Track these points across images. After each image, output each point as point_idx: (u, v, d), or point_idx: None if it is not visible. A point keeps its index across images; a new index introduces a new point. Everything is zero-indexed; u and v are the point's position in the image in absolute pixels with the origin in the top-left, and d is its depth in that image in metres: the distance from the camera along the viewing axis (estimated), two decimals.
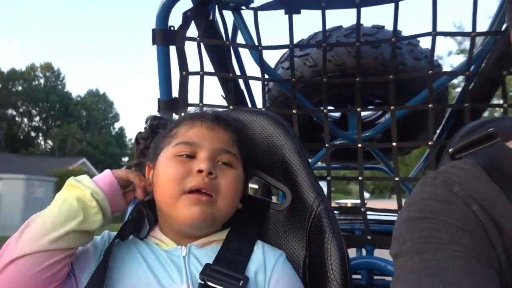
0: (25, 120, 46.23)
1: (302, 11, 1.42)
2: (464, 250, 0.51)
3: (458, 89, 3.07)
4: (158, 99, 1.38)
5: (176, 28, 1.33)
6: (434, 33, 1.33)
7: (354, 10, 1.38)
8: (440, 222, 0.55)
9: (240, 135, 0.95)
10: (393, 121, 1.36)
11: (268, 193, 1.89)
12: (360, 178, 1.38)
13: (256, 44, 1.43)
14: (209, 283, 0.77)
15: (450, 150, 0.68)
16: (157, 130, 0.98)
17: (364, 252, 1.38)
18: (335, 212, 1.59)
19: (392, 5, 1.35)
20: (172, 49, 1.34)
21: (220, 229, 0.90)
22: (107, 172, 0.86)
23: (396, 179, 1.35)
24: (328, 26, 1.45)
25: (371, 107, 1.99)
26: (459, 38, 9.61)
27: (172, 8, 1.31)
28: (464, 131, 0.91)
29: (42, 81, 46.35)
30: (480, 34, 1.35)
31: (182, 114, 1.08)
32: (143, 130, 1.02)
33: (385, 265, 1.25)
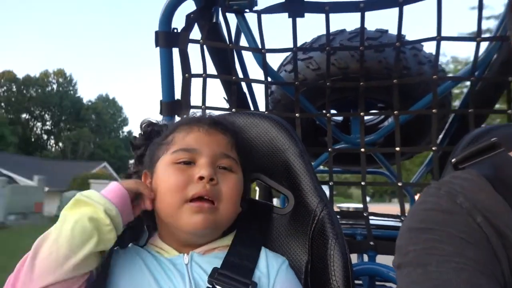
0: (39, 124, 46.82)
1: (306, 14, 1.39)
2: (468, 262, 0.50)
3: (456, 90, 3.02)
4: (161, 101, 1.35)
5: (179, 31, 1.31)
6: (438, 38, 1.30)
7: (358, 14, 1.35)
8: (444, 233, 0.53)
9: (238, 139, 0.92)
10: (397, 126, 1.33)
11: (269, 196, 1.85)
12: (362, 183, 1.34)
13: (260, 47, 1.40)
14: (218, 287, 0.74)
15: (453, 160, 0.67)
16: (151, 136, 0.94)
17: (366, 257, 1.34)
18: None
19: (396, 9, 1.32)
20: (175, 52, 1.32)
21: (221, 236, 0.87)
22: (116, 184, 0.80)
23: (399, 184, 1.31)
24: (331, 30, 1.42)
25: (374, 111, 1.95)
26: None
27: (175, 10, 1.29)
28: (468, 139, 0.89)
29: (55, 86, 47.08)
30: (485, 39, 1.32)
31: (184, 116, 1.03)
32: (138, 136, 0.98)
33: (387, 272, 1.22)
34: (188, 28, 1.31)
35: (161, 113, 1.33)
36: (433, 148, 1.30)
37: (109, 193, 0.77)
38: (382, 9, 1.35)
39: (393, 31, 1.41)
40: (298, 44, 1.44)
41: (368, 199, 1.41)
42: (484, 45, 1.37)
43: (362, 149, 1.35)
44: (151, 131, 0.95)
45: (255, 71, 1.54)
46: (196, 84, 1.32)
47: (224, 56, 1.42)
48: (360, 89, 1.38)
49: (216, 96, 1.59)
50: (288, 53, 1.74)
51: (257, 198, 1.90)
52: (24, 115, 45.64)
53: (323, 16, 1.37)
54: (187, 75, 1.31)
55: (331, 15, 1.36)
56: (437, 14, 1.29)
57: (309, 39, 1.74)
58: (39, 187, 16.48)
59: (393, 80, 1.34)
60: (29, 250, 0.70)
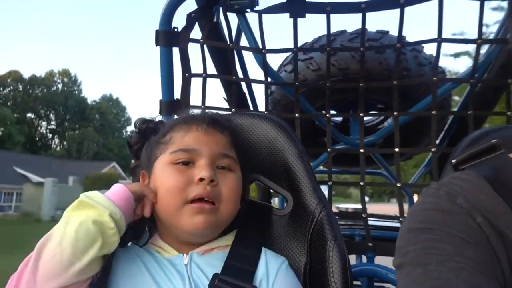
0: (44, 123, 47.07)
1: (307, 14, 1.37)
2: (468, 262, 0.49)
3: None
4: (160, 100, 1.32)
5: (179, 30, 1.28)
6: (439, 40, 1.28)
7: (359, 14, 1.33)
8: (443, 233, 0.53)
9: (236, 137, 0.89)
10: (396, 127, 1.31)
11: (268, 196, 1.83)
12: (361, 183, 1.32)
13: (260, 47, 1.38)
14: None
15: (453, 161, 0.66)
16: (147, 134, 0.92)
17: (364, 258, 1.32)
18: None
19: (397, 10, 1.30)
20: (175, 51, 1.29)
21: (220, 235, 0.85)
22: (121, 186, 0.77)
23: (398, 185, 1.29)
24: (332, 30, 1.40)
25: (374, 112, 1.93)
26: None
27: (176, 9, 1.26)
28: (468, 140, 0.87)
29: (60, 86, 47.27)
30: (486, 41, 1.31)
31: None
32: (133, 135, 0.95)
33: (386, 273, 1.20)
34: (188, 27, 1.28)
35: (160, 112, 1.31)
36: (432, 150, 1.28)
37: (113, 195, 0.75)
38: (383, 10, 1.33)
39: (394, 32, 1.39)
40: (299, 45, 1.42)
41: (367, 199, 1.39)
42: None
43: (361, 150, 1.33)
44: (146, 128, 0.93)
45: (255, 71, 1.52)
46: (196, 84, 1.30)
47: (224, 56, 1.39)
48: (360, 90, 1.36)
49: (216, 96, 1.57)
50: (288, 54, 1.72)
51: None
52: (29, 115, 45.86)
53: (324, 16, 1.35)
54: (187, 75, 1.28)
55: (332, 16, 1.34)
56: (438, 16, 1.27)
57: (309, 39, 1.72)
58: (74, 187, 19.23)
59: (393, 82, 1.32)
60: None
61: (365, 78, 1.36)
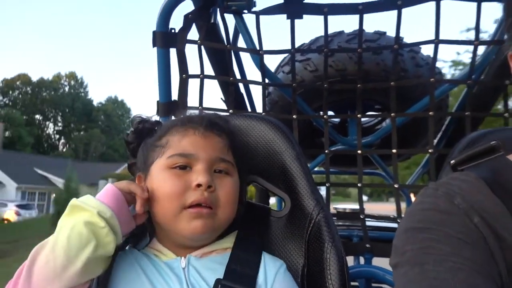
0: (51, 124, 47.38)
1: (304, 15, 1.34)
2: (465, 262, 0.49)
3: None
4: (158, 101, 1.30)
5: (177, 31, 1.26)
6: (436, 41, 1.26)
7: (356, 16, 1.31)
8: (441, 233, 0.52)
9: (234, 139, 0.87)
10: (394, 128, 1.29)
11: (266, 197, 1.80)
12: (359, 184, 1.29)
13: (258, 48, 1.35)
14: None
15: (452, 161, 0.65)
16: (143, 134, 0.89)
17: (362, 260, 1.30)
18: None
19: (394, 11, 1.27)
20: (173, 52, 1.27)
21: (219, 238, 0.83)
22: (109, 186, 0.76)
23: (396, 186, 1.27)
24: (329, 31, 1.38)
25: (372, 113, 1.91)
26: None
27: (173, 10, 1.24)
28: (465, 142, 0.86)
29: (66, 89, 47.52)
30: (483, 43, 1.29)
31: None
32: (130, 134, 0.92)
33: (383, 275, 1.18)
34: (186, 28, 1.26)
35: (158, 113, 1.29)
36: (430, 151, 1.26)
37: (102, 196, 0.73)
38: (380, 11, 1.30)
39: (391, 32, 1.37)
40: (296, 46, 1.40)
41: (366, 198, 1.36)
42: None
43: (359, 151, 1.31)
44: (142, 128, 0.90)
45: (252, 72, 1.49)
46: (193, 85, 1.28)
47: (221, 57, 1.37)
48: (357, 91, 1.34)
49: (214, 96, 1.54)
50: (285, 55, 1.69)
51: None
52: (37, 116, 46.13)
53: (321, 17, 1.33)
54: (184, 76, 1.26)
55: (329, 17, 1.32)
56: (435, 17, 1.25)
57: (307, 40, 1.69)
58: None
59: (390, 83, 1.30)
60: None
61: (362, 79, 1.34)
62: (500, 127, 1.24)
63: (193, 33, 1.29)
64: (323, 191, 1.28)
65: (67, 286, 0.65)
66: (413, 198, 1.82)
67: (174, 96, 1.28)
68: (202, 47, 1.30)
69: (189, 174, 0.77)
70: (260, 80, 1.37)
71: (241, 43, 1.48)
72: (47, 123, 47.32)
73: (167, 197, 0.76)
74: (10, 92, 44.34)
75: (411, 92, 1.51)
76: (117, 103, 50.64)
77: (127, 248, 0.81)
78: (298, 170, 0.90)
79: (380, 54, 1.52)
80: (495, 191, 0.55)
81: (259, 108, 1.56)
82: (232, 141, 0.86)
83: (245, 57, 1.47)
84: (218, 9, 1.34)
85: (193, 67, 1.27)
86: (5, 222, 17.70)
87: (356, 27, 1.34)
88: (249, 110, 1.66)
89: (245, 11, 1.36)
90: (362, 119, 1.36)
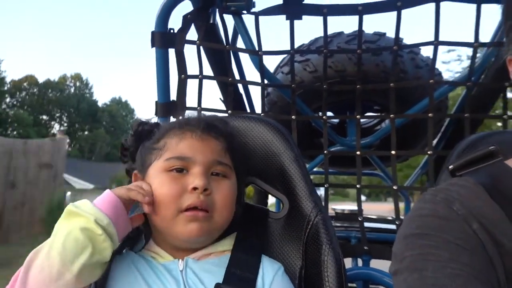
0: (56, 125, 47.63)
1: (304, 16, 1.32)
2: (464, 268, 0.48)
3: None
4: (156, 102, 1.27)
5: (175, 31, 1.23)
6: (436, 42, 1.23)
7: (356, 16, 1.28)
8: (440, 239, 0.52)
9: (232, 142, 0.85)
10: (393, 129, 1.26)
11: (264, 198, 1.78)
12: (358, 186, 1.26)
13: (257, 49, 1.33)
14: None
15: (450, 166, 0.65)
16: (142, 137, 0.87)
17: (360, 261, 1.27)
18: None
19: (394, 12, 1.25)
20: (171, 52, 1.24)
21: (217, 240, 0.82)
22: (108, 192, 0.74)
23: (394, 187, 1.24)
24: (329, 32, 1.35)
25: (371, 114, 1.88)
26: None
27: (172, 10, 1.21)
28: (463, 145, 0.84)
29: (72, 90, 47.70)
30: (482, 44, 1.26)
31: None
32: (128, 137, 0.91)
33: (381, 277, 1.16)
34: (184, 28, 1.24)
35: (156, 114, 1.26)
36: (429, 152, 1.23)
37: (100, 202, 0.71)
38: (380, 12, 1.28)
39: (391, 34, 1.35)
40: (295, 46, 1.37)
41: (364, 198, 1.34)
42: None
43: (358, 152, 1.29)
44: (141, 130, 0.89)
45: (251, 73, 1.47)
46: (192, 85, 1.25)
47: (220, 57, 1.34)
48: (356, 92, 1.31)
49: (212, 97, 1.52)
50: (285, 55, 1.67)
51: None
52: (43, 117, 46.34)
53: (320, 18, 1.30)
54: (183, 76, 1.23)
55: (329, 18, 1.30)
56: (435, 18, 1.23)
57: (306, 41, 1.67)
58: None
59: (390, 84, 1.27)
60: None
61: (362, 80, 1.32)
62: (499, 130, 1.22)
63: (192, 34, 1.26)
64: (321, 191, 1.26)
65: None
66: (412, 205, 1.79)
67: (173, 96, 1.26)
68: (201, 47, 1.28)
69: (186, 177, 0.76)
70: (259, 80, 1.34)
71: (240, 43, 1.46)
72: (53, 123, 47.57)
73: (164, 200, 0.75)
74: (18, 93, 44.52)
75: (410, 93, 1.49)
76: (121, 104, 50.85)
77: (124, 251, 0.79)
78: (296, 171, 0.89)
79: (380, 55, 1.50)
80: (493, 197, 0.54)
81: (258, 109, 1.55)
82: (230, 143, 0.84)
83: (244, 58, 1.44)
84: (217, 9, 1.32)
85: (192, 68, 1.24)
86: None
87: (356, 28, 1.32)
88: (248, 110, 1.64)
89: (244, 11, 1.33)
90: (362, 120, 1.34)
